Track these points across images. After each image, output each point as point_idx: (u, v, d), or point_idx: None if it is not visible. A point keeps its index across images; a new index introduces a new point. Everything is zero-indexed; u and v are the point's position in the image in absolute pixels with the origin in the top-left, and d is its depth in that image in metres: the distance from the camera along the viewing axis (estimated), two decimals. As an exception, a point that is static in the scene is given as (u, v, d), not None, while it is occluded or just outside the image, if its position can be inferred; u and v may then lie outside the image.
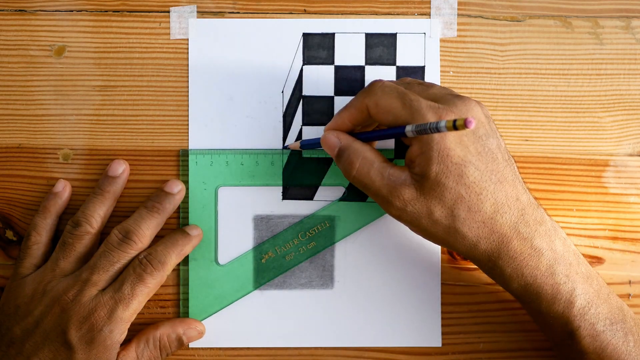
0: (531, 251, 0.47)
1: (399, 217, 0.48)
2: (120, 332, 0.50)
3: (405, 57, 0.56)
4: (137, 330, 0.54)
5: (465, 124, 0.40)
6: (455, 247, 0.48)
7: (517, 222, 0.47)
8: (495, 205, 0.47)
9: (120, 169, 0.54)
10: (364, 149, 0.49)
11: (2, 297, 0.53)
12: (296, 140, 0.55)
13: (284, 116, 0.56)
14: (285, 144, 0.55)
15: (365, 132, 0.51)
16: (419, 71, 0.56)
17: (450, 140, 0.46)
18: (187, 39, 0.56)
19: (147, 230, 0.52)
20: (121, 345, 0.51)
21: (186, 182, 0.55)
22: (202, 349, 0.56)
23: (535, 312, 0.49)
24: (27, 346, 0.50)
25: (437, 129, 0.43)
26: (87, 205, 0.53)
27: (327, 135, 0.50)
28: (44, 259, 0.53)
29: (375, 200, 0.49)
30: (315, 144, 0.52)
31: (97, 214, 0.53)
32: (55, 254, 0.52)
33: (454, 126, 0.41)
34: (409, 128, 0.46)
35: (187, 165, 0.55)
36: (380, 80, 0.49)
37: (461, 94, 0.48)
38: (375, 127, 0.53)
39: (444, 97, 0.47)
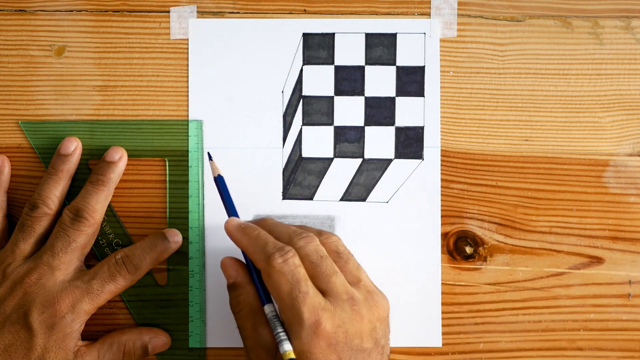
0: None
1: None
2: (80, 322, 0.50)
3: (405, 57, 0.56)
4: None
5: None
6: None
7: None
8: None
9: (72, 146, 0.54)
10: (255, 297, 0.49)
11: None
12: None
13: (284, 116, 0.56)
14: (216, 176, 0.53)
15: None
16: (419, 71, 0.56)
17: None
18: (187, 39, 0.56)
19: (96, 204, 0.52)
20: (86, 344, 0.51)
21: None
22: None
23: None
24: None
25: (280, 343, 0.46)
26: (42, 186, 0.53)
27: (228, 263, 0.51)
28: None
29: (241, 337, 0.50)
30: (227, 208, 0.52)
31: (54, 195, 0.53)
32: (14, 236, 0.52)
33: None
34: (267, 310, 0.48)
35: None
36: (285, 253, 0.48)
37: (371, 290, 0.49)
38: None
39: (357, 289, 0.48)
